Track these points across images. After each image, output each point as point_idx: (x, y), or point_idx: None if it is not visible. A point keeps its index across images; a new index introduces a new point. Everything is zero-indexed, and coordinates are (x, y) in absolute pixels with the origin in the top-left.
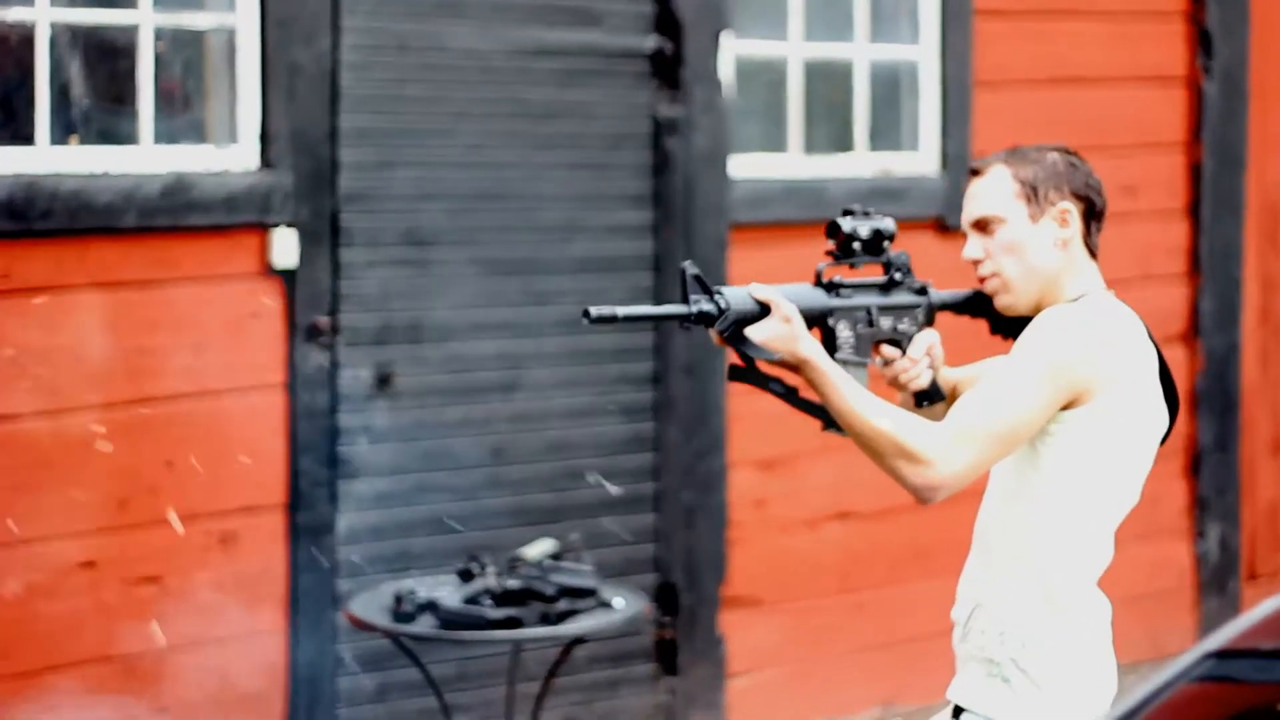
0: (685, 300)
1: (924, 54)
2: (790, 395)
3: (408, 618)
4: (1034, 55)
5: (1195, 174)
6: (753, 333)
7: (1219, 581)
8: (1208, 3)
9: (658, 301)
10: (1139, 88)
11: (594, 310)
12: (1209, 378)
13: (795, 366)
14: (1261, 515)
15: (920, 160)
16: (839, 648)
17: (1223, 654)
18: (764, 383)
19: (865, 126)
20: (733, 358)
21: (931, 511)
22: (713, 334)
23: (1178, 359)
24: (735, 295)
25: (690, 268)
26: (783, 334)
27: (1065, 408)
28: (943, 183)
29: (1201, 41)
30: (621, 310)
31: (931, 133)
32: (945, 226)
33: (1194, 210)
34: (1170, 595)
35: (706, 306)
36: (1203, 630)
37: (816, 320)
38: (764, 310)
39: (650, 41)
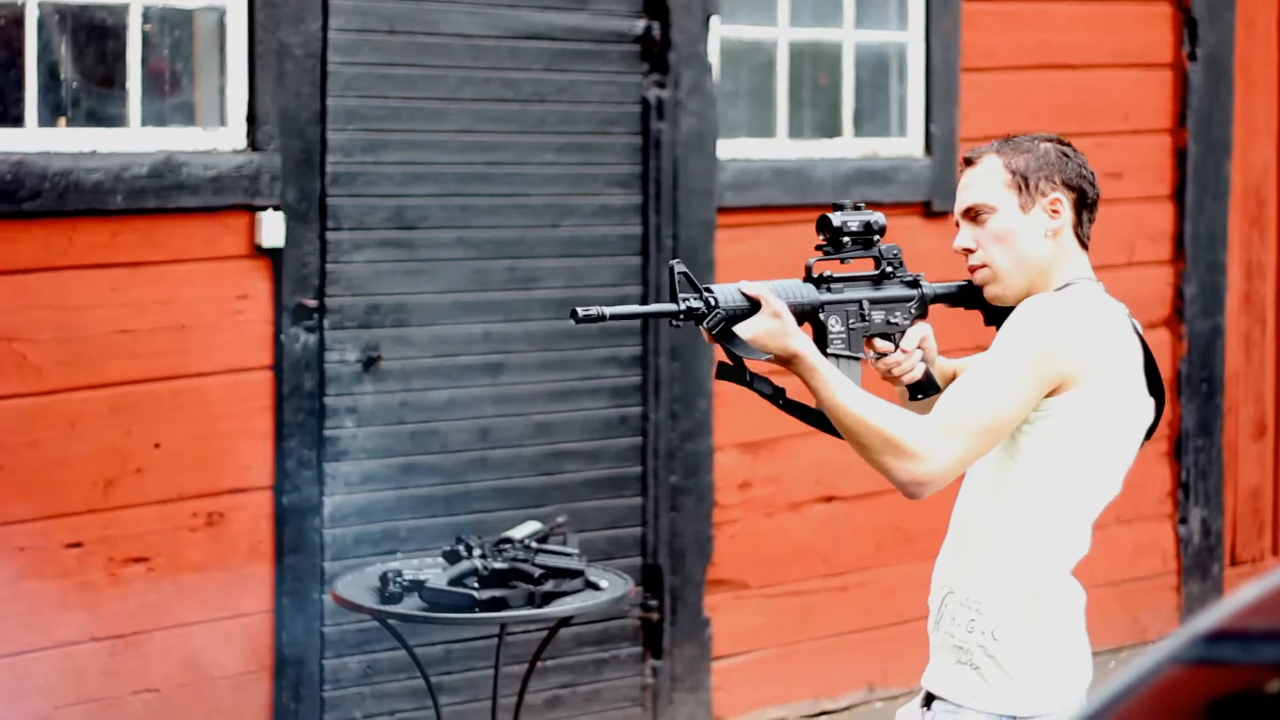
0: (674, 298)
1: (911, 38)
2: (776, 396)
3: (394, 599)
4: (1021, 40)
5: (1180, 159)
6: (742, 329)
7: (1201, 565)
8: None
9: (643, 282)
10: (1124, 72)
11: (581, 310)
12: (1192, 362)
13: (786, 361)
14: (1244, 500)
15: (907, 144)
16: (824, 630)
17: (1212, 636)
18: (751, 382)
19: (852, 110)
20: (721, 355)
21: None
22: (702, 331)
23: (1161, 343)
24: (724, 292)
25: (678, 265)
26: (772, 329)
27: (1046, 396)
28: (929, 167)
29: (1187, 26)
30: (609, 310)
31: (918, 117)
32: (932, 210)
33: (1179, 195)
34: (1153, 579)
35: (695, 304)
36: (1185, 614)
37: (807, 315)
38: (753, 307)
39: (639, 25)
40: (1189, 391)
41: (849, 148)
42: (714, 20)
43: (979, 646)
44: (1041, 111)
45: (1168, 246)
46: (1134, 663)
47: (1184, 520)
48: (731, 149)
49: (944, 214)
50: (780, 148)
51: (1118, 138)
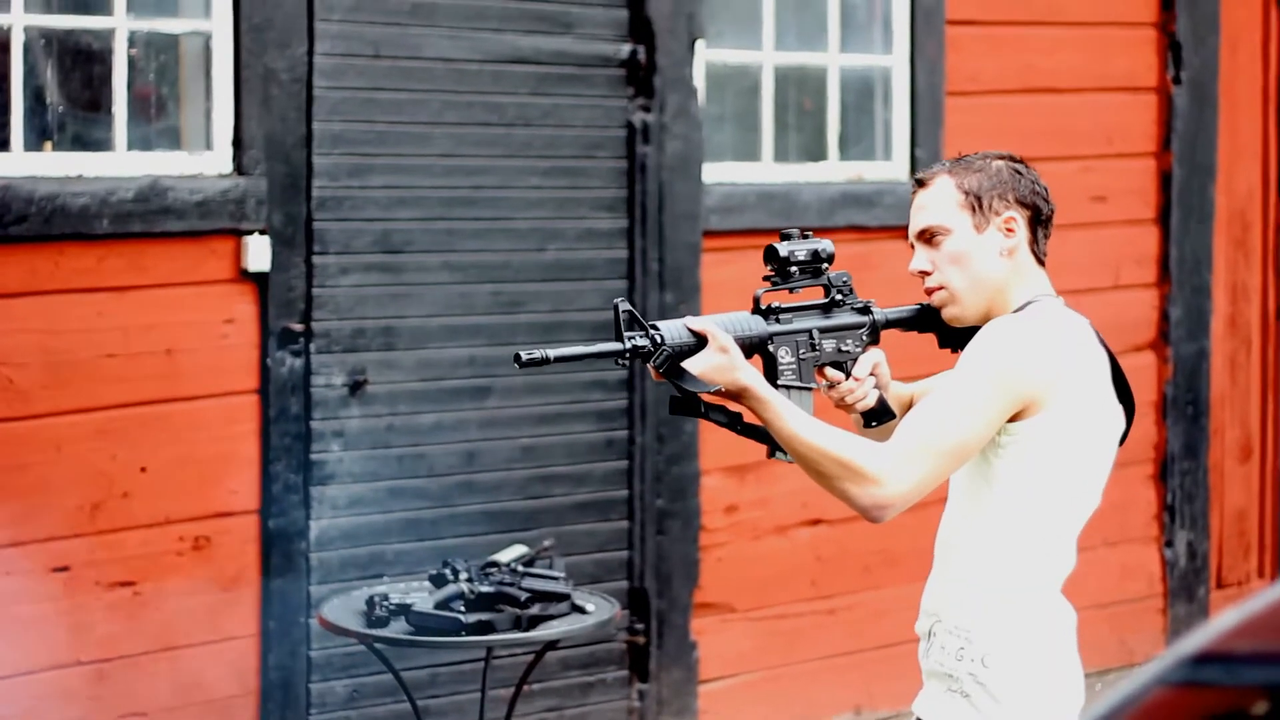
0: (619, 337)
1: (896, 62)
2: (733, 423)
3: (381, 622)
4: (1005, 63)
5: (1165, 182)
6: (690, 365)
7: (1187, 588)
8: (1177, 12)
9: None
10: (1109, 96)
11: (524, 354)
12: (1178, 385)
13: (736, 396)
14: (1229, 522)
15: (892, 168)
16: (810, 653)
17: (1198, 658)
18: (705, 413)
19: (837, 134)
20: (674, 390)
21: (901, 517)
22: (650, 369)
23: (1147, 366)
24: (670, 329)
25: (623, 304)
26: (720, 364)
27: (1014, 419)
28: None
29: (1171, 50)
30: (554, 352)
31: (903, 140)
32: None
33: (1163, 218)
34: (1139, 602)
35: (641, 342)
36: (1171, 637)
37: (757, 347)
38: (700, 342)
39: (624, 49)
40: (1174, 414)
41: (834, 171)
42: (699, 44)
43: (968, 674)
44: (1026, 135)
45: (1153, 270)
46: (1120, 685)
47: (1170, 543)
48: (717, 173)
49: None
50: (766, 171)
51: (1103, 161)
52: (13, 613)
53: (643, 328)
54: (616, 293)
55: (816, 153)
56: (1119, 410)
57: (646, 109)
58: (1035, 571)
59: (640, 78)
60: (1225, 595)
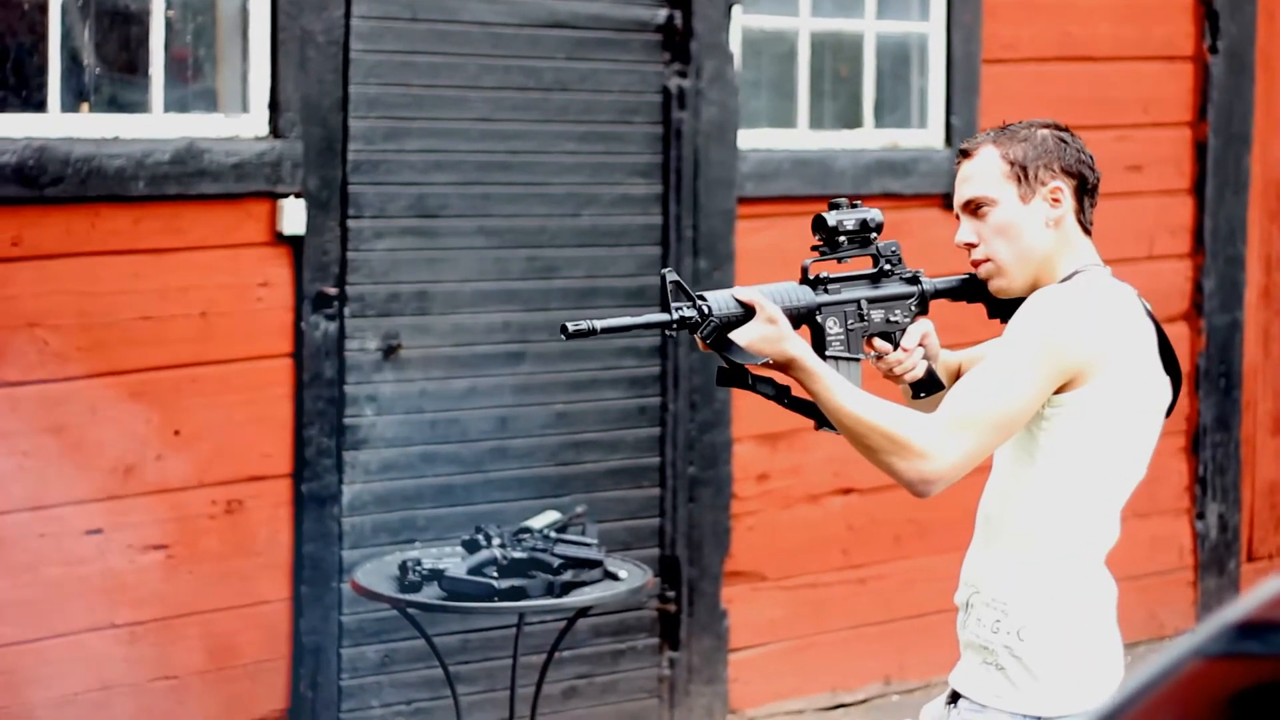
0: (666, 307)
1: (932, 29)
2: (780, 396)
3: (413, 587)
4: (1042, 31)
5: (1200, 152)
6: (737, 336)
7: (1218, 561)
8: None
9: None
10: (1146, 65)
11: (571, 325)
12: (1210, 356)
13: (783, 366)
14: (1261, 495)
15: (927, 135)
16: (841, 623)
17: (1235, 629)
18: (753, 385)
19: (873, 101)
20: (721, 361)
21: None
22: (697, 340)
23: (1180, 337)
24: (717, 299)
25: (670, 274)
26: (767, 335)
27: (1060, 390)
28: (950, 158)
29: (1208, 19)
30: (600, 323)
31: (939, 108)
32: (952, 202)
33: (1198, 188)
34: (1169, 574)
35: (688, 313)
36: (1201, 610)
37: (805, 318)
38: (748, 313)
39: (661, 13)
40: (1207, 386)
41: (869, 139)
42: (736, 10)
43: (1004, 647)
44: (1062, 103)
45: (1187, 240)
46: (1155, 657)
47: (1201, 515)
48: (752, 139)
49: None
50: (801, 138)
51: (1138, 130)
52: (46, 575)
53: (690, 298)
54: (651, 259)
55: (852, 120)
56: (1165, 381)
57: (683, 74)
58: (1077, 544)
59: (676, 43)
60: (1256, 568)
